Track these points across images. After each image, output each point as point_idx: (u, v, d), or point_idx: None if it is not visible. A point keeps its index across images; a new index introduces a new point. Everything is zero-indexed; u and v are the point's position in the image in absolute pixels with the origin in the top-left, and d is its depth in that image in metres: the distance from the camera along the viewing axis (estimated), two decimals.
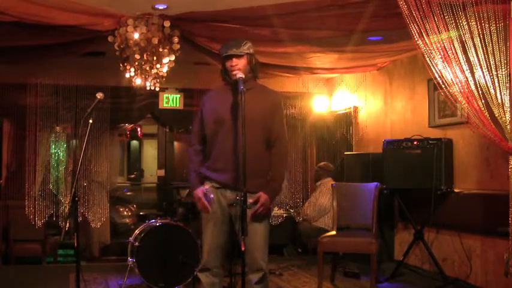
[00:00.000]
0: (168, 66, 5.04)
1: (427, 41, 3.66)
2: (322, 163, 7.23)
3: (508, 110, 3.65)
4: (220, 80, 3.51)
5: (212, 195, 3.33)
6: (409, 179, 5.52)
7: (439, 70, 3.72)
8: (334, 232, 5.38)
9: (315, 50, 5.61)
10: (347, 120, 7.57)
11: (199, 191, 3.35)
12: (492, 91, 3.64)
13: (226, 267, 4.48)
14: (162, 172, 9.37)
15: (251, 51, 3.36)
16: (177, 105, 7.61)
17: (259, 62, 3.48)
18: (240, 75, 3.24)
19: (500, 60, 3.60)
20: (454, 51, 3.65)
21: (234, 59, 3.30)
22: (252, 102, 3.14)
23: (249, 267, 3.24)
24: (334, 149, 7.88)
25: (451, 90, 3.75)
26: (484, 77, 3.64)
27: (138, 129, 14.65)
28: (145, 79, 5.12)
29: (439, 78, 3.74)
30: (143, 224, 5.40)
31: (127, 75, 5.11)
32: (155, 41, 4.73)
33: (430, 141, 5.40)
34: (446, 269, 5.44)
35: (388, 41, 5.29)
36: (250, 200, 3.16)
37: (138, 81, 5.15)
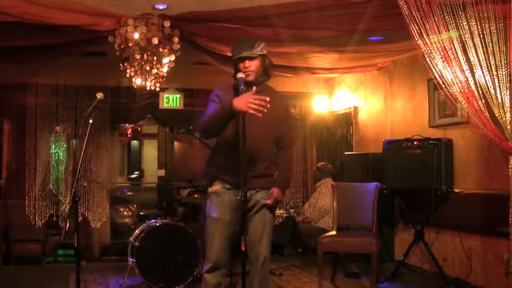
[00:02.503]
0: (168, 66, 5.04)
1: (427, 41, 3.66)
2: (320, 163, 7.23)
3: (508, 110, 3.64)
4: (220, 78, 3.50)
5: (254, 89, 3.06)
6: (409, 179, 5.52)
7: (439, 70, 3.72)
8: (334, 232, 5.38)
9: (316, 50, 5.61)
10: (347, 120, 7.57)
11: (240, 96, 3.04)
12: (492, 91, 3.64)
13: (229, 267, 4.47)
14: (162, 172, 9.36)
15: (264, 52, 3.33)
16: (177, 105, 7.62)
17: (272, 62, 3.44)
18: (241, 75, 3.22)
19: (501, 60, 3.59)
20: (454, 51, 3.65)
21: (247, 61, 3.28)
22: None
23: (254, 254, 3.29)
24: (334, 149, 7.88)
25: (451, 90, 3.75)
26: (484, 77, 3.64)
27: (138, 129, 14.65)
28: (146, 79, 5.12)
29: (439, 78, 3.74)
30: (143, 224, 5.40)
31: (127, 75, 5.11)
32: (155, 41, 4.73)
33: (430, 141, 5.40)
34: (446, 269, 5.44)
35: (388, 41, 5.29)
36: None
37: (138, 81, 5.15)
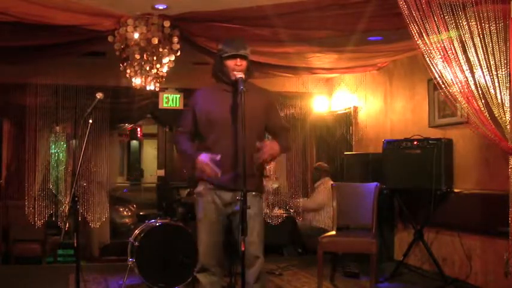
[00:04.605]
0: (168, 66, 5.04)
1: (427, 41, 3.66)
2: (316, 163, 7.30)
3: (508, 110, 3.65)
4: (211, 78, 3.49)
5: (219, 156, 3.17)
6: (409, 179, 5.52)
7: (439, 70, 3.72)
8: (334, 232, 5.38)
9: (315, 50, 5.61)
10: (347, 120, 7.57)
11: (202, 157, 3.18)
12: (492, 91, 3.65)
13: (226, 267, 4.48)
14: (162, 172, 9.38)
15: (250, 52, 3.38)
16: (177, 105, 7.62)
17: (252, 62, 3.47)
18: (240, 75, 3.23)
19: (500, 60, 3.60)
20: (454, 51, 3.65)
21: (239, 59, 3.29)
22: (248, 102, 3.13)
23: (246, 258, 3.23)
24: (334, 149, 7.88)
25: (451, 90, 3.75)
26: (484, 77, 3.64)
27: (138, 129, 14.65)
28: (145, 79, 5.12)
29: (439, 78, 3.75)
30: (143, 224, 5.40)
31: (127, 75, 5.11)
32: (155, 41, 4.74)
33: (430, 141, 5.40)
34: (446, 269, 5.44)
35: (388, 41, 5.29)
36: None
37: (138, 81, 5.15)
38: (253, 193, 3.34)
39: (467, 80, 3.68)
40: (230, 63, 3.30)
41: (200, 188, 3.38)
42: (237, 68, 3.28)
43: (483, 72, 3.63)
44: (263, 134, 3.44)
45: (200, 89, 3.52)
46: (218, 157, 3.15)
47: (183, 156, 3.38)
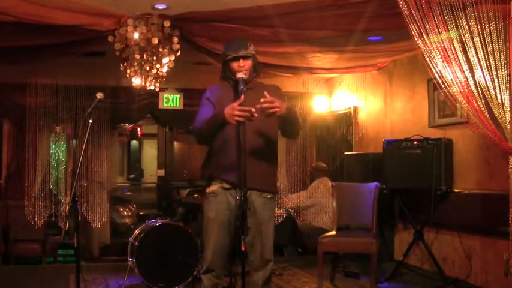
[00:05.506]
0: (168, 66, 5.05)
1: (427, 41, 3.66)
2: (314, 163, 7.35)
3: (508, 110, 3.64)
4: (218, 78, 3.50)
5: (242, 97, 3.07)
6: (409, 179, 5.52)
7: (439, 70, 3.72)
8: (334, 232, 5.38)
9: (315, 50, 5.61)
10: (347, 120, 7.58)
11: (228, 106, 3.06)
12: (492, 91, 3.64)
13: (227, 268, 4.48)
14: (162, 172, 9.36)
15: (254, 51, 3.38)
16: (177, 105, 7.62)
17: (259, 61, 3.48)
18: (241, 75, 3.24)
19: (500, 60, 3.60)
20: (454, 51, 3.65)
21: (242, 60, 3.30)
22: (255, 100, 3.12)
23: (257, 261, 3.27)
24: (334, 149, 7.89)
25: (451, 90, 3.75)
26: (484, 77, 3.64)
27: (138, 129, 14.65)
28: (145, 79, 5.12)
29: (439, 78, 3.74)
30: (143, 224, 5.41)
31: (127, 75, 5.11)
32: (155, 41, 4.74)
33: (430, 141, 5.40)
34: (446, 269, 5.44)
35: (388, 41, 5.29)
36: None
37: (137, 81, 5.15)
38: (269, 195, 3.37)
39: (467, 80, 3.67)
40: (234, 65, 3.31)
41: (214, 187, 3.35)
42: (240, 69, 3.28)
43: (483, 72, 3.63)
44: (275, 131, 3.41)
45: (210, 86, 3.51)
46: (242, 97, 3.06)
47: (208, 122, 3.24)
